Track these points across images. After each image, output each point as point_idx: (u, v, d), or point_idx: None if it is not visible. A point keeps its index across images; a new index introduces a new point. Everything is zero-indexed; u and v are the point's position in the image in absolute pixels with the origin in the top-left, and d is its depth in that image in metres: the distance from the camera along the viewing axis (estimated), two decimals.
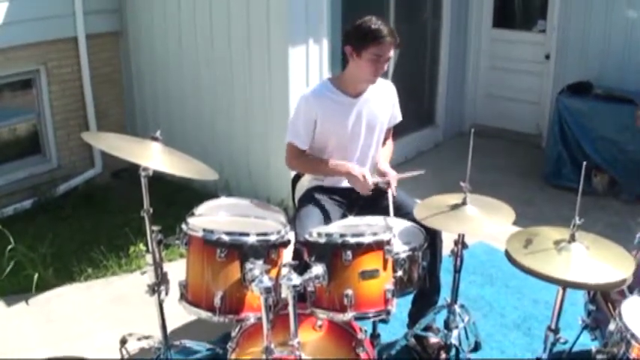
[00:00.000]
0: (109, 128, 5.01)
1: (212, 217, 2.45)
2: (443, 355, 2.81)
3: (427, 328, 2.94)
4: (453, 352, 2.76)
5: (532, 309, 3.45)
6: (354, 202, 2.92)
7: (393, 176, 2.88)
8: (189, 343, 2.81)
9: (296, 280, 1.99)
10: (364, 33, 2.71)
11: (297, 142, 2.89)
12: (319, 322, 2.34)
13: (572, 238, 2.13)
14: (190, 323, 3.16)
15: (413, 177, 2.83)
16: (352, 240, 2.18)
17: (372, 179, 2.81)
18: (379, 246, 2.22)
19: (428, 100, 6.14)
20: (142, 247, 3.74)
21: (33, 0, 4.51)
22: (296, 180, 3.16)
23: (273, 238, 2.26)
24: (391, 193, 2.79)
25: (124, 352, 2.81)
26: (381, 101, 2.97)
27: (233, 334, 2.42)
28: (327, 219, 2.78)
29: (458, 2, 5.95)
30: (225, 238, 2.20)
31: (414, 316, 2.96)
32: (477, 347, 2.83)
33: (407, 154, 5.68)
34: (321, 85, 2.91)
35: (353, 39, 2.76)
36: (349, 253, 2.16)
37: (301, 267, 2.19)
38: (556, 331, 2.27)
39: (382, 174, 2.93)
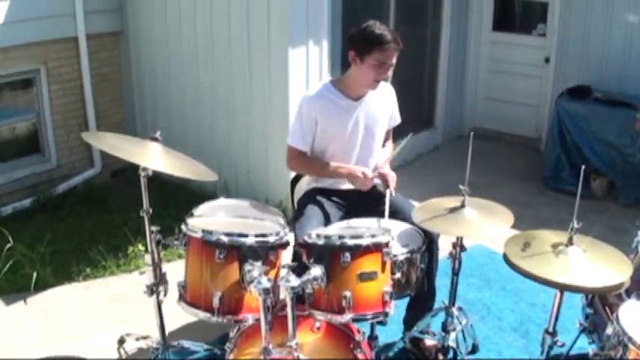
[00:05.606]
0: (108, 128, 5.01)
1: (211, 217, 2.46)
2: (440, 358, 2.82)
3: (424, 332, 2.93)
4: (450, 354, 2.77)
5: (529, 312, 3.45)
6: (353, 205, 2.92)
7: (392, 177, 2.89)
8: (187, 343, 2.81)
9: (294, 281, 1.99)
10: (368, 38, 2.69)
11: (298, 144, 2.89)
12: (317, 324, 2.34)
13: (570, 242, 2.14)
14: (188, 324, 3.16)
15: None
16: (351, 242, 2.18)
17: (371, 177, 2.83)
18: (378, 248, 2.22)
19: (427, 102, 6.14)
20: (140, 247, 3.74)
21: None
22: (295, 181, 3.17)
23: (271, 239, 2.26)
24: (389, 193, 2.80)
25: (122, 352, 2.82)
26: (381, 104, 2.98)
27: (231, 334, 2.42)
28: (326, 221, 2.78)
29: (458, 5, 5.96)
30: (224, 239, 2.19)
31: (409, 323, 2.96)
32: (474, 350, 2.84)
33: (406, 156, 5.69)
34: (322, 87, 2.90)
35: (356, 44, 2.74)
36: (348, 255, 2.16)
37: (300, 268, 2.19)
38: (553, 334, 2.28)
39: (381, 175, 2.94)
